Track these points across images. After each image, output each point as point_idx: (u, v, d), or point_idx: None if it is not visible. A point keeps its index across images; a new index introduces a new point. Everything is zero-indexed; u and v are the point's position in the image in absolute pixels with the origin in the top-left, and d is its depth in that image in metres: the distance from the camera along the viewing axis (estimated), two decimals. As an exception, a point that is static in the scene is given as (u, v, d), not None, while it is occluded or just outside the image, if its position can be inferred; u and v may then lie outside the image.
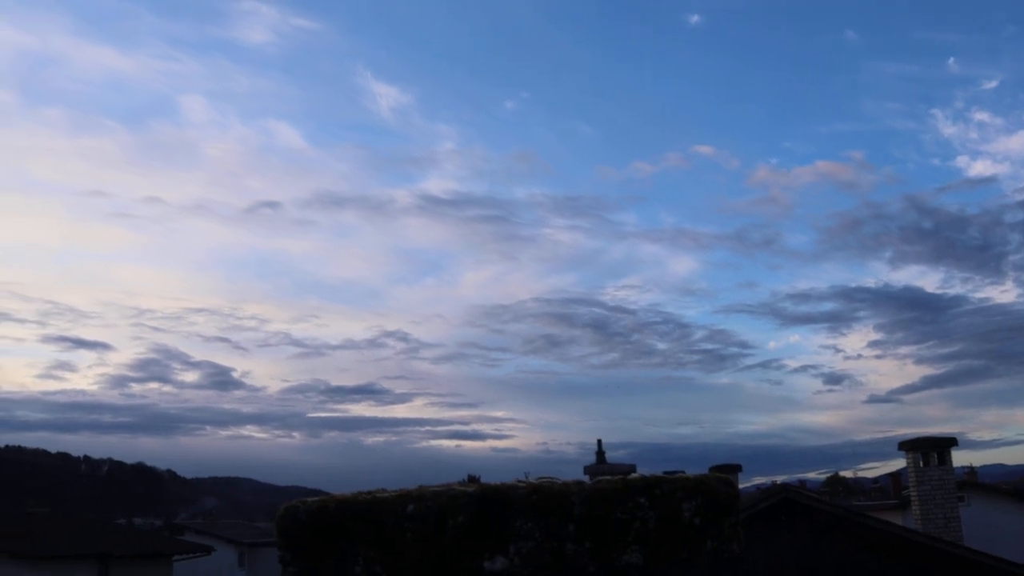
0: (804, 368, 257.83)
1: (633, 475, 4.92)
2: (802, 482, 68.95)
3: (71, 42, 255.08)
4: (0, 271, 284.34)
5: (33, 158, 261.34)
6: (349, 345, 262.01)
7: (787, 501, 18.74)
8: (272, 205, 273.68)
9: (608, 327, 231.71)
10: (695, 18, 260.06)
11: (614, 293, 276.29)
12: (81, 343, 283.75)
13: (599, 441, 25.38)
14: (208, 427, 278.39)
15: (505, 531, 4.74)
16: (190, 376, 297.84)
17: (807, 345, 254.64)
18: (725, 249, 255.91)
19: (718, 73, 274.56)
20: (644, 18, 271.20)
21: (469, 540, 4.75)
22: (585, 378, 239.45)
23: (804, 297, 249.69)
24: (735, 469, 29.37)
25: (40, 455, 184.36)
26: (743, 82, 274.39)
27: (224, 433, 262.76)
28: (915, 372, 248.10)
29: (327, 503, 5.01)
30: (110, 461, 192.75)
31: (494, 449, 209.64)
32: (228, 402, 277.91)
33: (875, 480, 77.87)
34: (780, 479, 61.96)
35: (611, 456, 25.18)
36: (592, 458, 24.97)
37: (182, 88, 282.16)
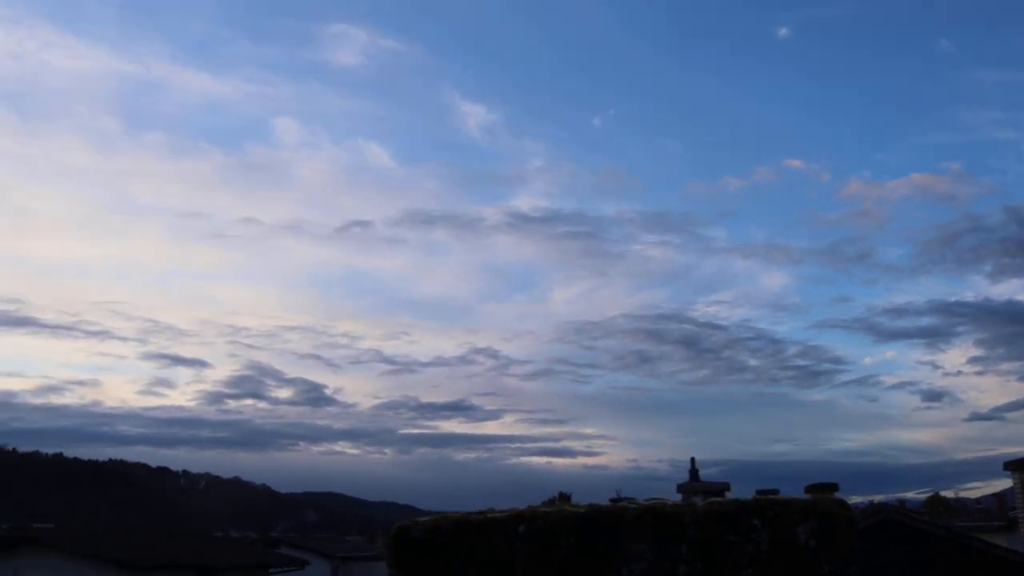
0: (901, 384, 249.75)
1: (746, 497, 4.87)
2: (901, 502, 67.05)
3: (170, 69, 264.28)
4: (104, 291, 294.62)
5: (135, 181, 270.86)
6: (439, 362, 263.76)
7: (887, 521, 18.29)
8: (363, 224, 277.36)
9: (699, 343, 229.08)
10: (783, 31, 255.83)
11: (705, 309, 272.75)
12: (179, 360, 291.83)
13: (692, 459, 25.07)
14: (301, 443, 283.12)
15: (617, 552, 4.75)
16: (284, 392, 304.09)
17: (904, 361, 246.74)
18: (818, 264, 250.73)
19: (807, 85, 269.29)
20: (731, 32, 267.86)
21: (581, 560, 4.77)
22: (676, 395, 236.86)
23: (900, 312, 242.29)
24: (832, 488, 28.63)
25: (141, 469, 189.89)
26: (833, 94, 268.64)
27: (317, 449, 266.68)
28: (1019, 389, 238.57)
29: (439, 522, 5.08)
30: (208, 475, 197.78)
31: (584, 466, 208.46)
32: (321, 418, 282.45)
33: (978, 500, 75.24)
34: (878, 498, 60.32)
35: (704, 474, 24.87)
36: (685, 476, 24.69)
37: (275, 111, 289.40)
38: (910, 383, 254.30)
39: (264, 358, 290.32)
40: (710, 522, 4.90)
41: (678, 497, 22.87)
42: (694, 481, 23.79)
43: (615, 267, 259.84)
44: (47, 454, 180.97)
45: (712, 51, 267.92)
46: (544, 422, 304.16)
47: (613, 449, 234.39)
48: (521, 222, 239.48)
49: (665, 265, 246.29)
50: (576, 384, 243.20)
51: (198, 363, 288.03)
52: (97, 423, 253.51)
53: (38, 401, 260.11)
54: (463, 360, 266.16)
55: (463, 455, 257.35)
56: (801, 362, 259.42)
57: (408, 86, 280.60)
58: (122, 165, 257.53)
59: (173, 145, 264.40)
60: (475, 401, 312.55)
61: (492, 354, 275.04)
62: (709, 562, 4.90)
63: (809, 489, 22.76)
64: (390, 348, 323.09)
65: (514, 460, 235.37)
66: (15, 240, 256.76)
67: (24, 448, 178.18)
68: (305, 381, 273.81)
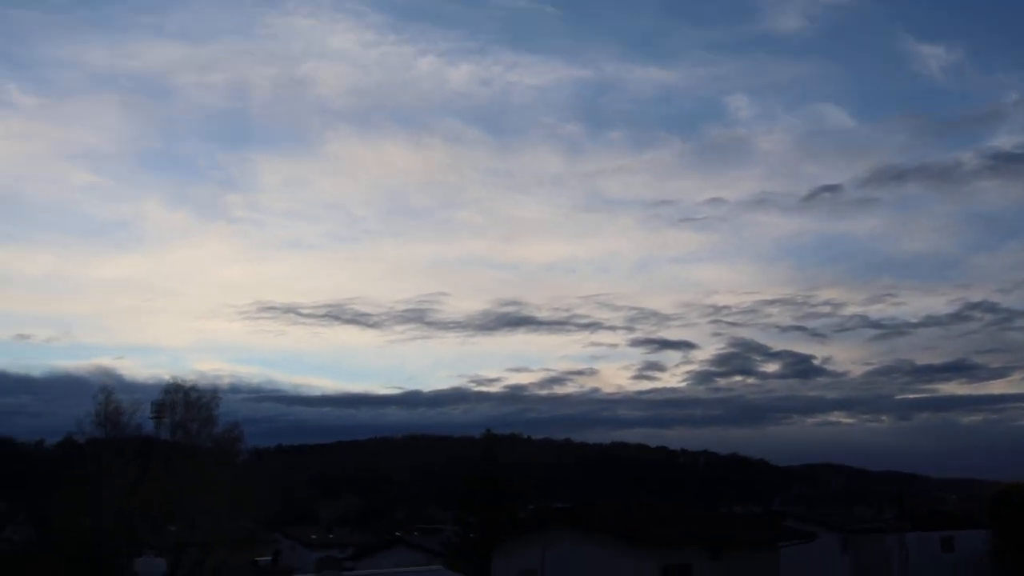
0: None
1: None
2: None
3: (621, 67, 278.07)
4: (589, 285, 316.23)
5: (603, 179, 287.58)
6: (930, 321, 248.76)
7: None
8: (831, 189, 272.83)
9: None
10: None
11: None
12: (666, 344, 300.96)
13: None
14: (794, 415, 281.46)
15: None
16: (771, 367, 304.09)
17: None
18: None
19: None
20: None
21: None
22: None
23: None
24: None
25: (641, 449, 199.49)
26: None
27: (810, 420, 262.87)
28: None
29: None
30: (705, 453, 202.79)
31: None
32: (811, 389, 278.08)
33: None
34: None
35: None
36: None
37: (726, 89, 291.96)
38: None
39: (747, 334, 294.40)
40: None
41: None
42: None
43: None
44: (557, 440, 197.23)
45: None
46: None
47: None
48: (1004, 162, 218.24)
49: None
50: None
51: (684, 345, 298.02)
52: (597, 409, 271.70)
53: (543, 392, 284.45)
54: (957, 317, 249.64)
55: (968, 418, 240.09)
56: None
57: (857, 39, 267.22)
58: (590, 166, 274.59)
59: (634, 139, 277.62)
60: (976, 360, 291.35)
61: (990, 308, 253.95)
62: None
63: None
64: (875, 312, 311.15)
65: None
66: (508, 247, 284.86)
67: (536, 436, 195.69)
68: (791, 353, 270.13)
